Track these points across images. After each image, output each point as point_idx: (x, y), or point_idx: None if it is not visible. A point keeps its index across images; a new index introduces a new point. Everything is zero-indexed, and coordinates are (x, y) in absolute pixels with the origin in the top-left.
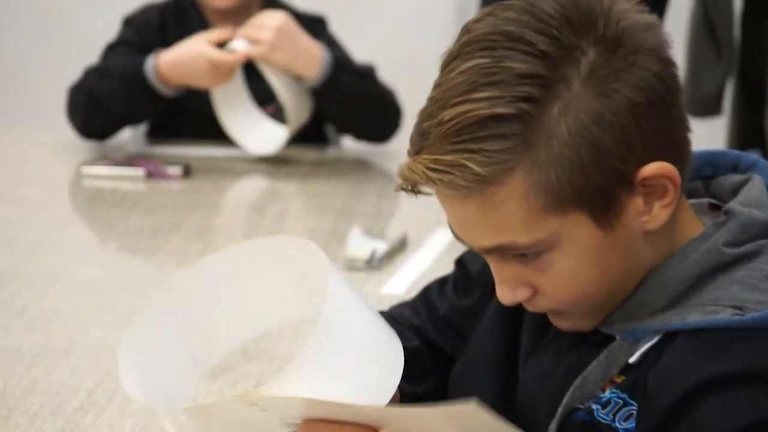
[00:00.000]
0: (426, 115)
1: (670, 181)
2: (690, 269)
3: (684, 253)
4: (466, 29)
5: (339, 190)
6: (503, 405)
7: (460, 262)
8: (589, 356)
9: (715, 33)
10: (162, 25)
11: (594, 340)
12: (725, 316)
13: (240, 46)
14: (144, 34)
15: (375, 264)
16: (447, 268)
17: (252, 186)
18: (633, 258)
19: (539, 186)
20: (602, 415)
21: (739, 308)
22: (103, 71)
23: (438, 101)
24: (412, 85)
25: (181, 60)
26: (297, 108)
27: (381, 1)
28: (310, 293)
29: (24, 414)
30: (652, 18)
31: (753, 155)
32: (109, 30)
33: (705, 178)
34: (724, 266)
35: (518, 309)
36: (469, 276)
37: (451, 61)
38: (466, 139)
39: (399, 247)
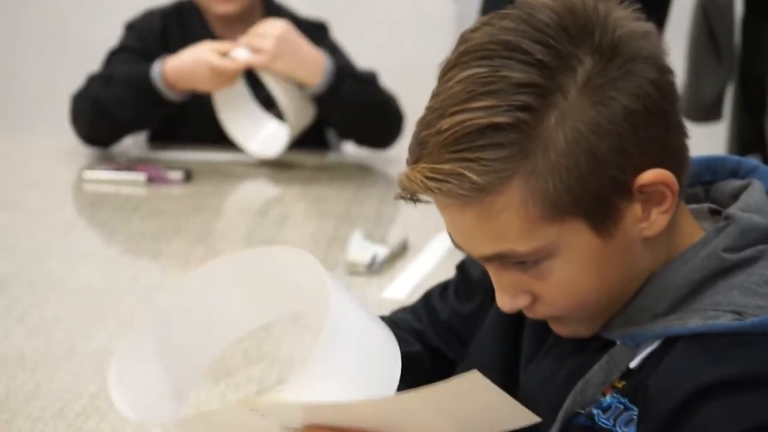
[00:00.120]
0: (424, 124)
1: (667, 187)
2: (690, 274)
3: (684, 259)
4: (463, 38)
5: (340, 194)
6: None
7: (461, 267)
8: (590, 361)
9: (716, 38)
10: (164, 30)
11: (595, 346)
12: (725, 321)
13: (242, 55)
14: (146, 40)
15: (376, 268)
16: (448, 272)
17: (253, 190)
18: (632, 264)
19: (537, 195)
20: (603, 420)
21: (739, 313)
22: (108, 78)
23: (436, 110)
24: (411, 89)
25: (185, 66)
26: (297, 114)
27: (380, 5)
28: (299, 296)
29: (26, 418)
30: (648, 26)
31: (753, 160)
32: (111, 35)
33: (705, 184)
34: (724, 271)
35: (519, 314)
36: (471, 281)
37: (448, 70)
38: (464, 149)
39: (400, 252)
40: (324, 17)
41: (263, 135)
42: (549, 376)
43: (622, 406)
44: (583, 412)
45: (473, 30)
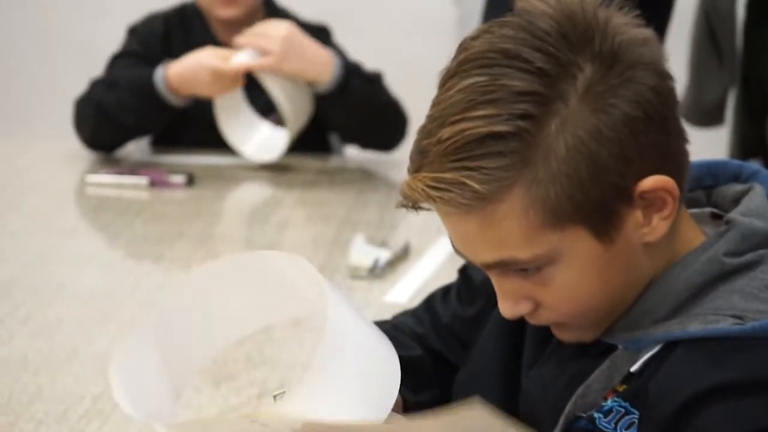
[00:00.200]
0: (425, 132)
1: (668, 193)
2: (691, 279)
3: (685, 263)
4: (463, 47)
5: (342, 198)
6: (506, 414)
7: (463, 271)
8: (591, 366)
9: (718, 43)
10: (166, 35)
11: (596, 350)
12: (726, 325)
13: (245, 58)
14: (148, 45)
15: (378, 272)
16: (450, 276)
17: (255, 194)
18: (633, 270)
19: (538, 202)
20: (604, 424)
21: (740, 318)
22: (111, 83)
23: (436, 119)
24: (413, 93)
25: (186, 71)
26: (296, 114)
27: (382, 9)
28: (298, 301)
29: (29, 421)
30: (647, 32)
31: (754, 165)
32: (113, 38)
33: (706, 188)
34: (724, 276)
35: (521, 319)
36: (473, 285)
37: (448, 78)
38: (465, 157)
39: (402, 256)
40: (325, 21)
41: (259, 138)
42: (550, 380)
43: (623, 410)
44: (584, 416)
45: (473, 38)
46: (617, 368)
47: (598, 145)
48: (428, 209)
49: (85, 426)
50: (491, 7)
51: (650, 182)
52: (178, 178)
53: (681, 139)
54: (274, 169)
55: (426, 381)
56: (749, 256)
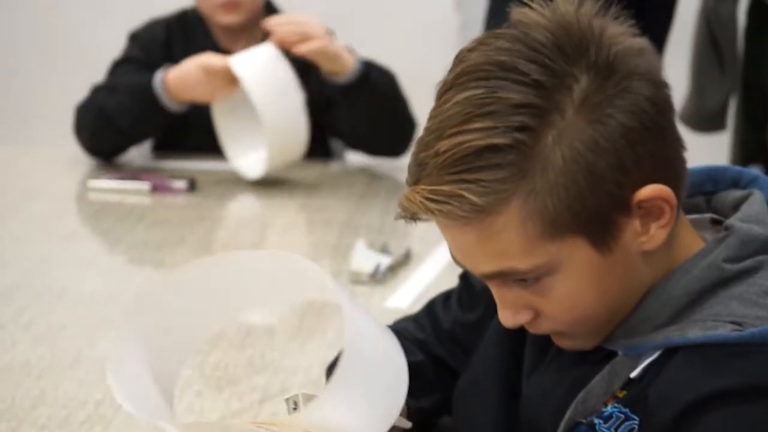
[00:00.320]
0: (423, 145)
1: (666, 202)
2: (690, 285)
3: (684, 269)
4: (459, 58)
5: (343, 204)
6: (507, 419)
7: (464, 277)
8: (591, 372)
9: (719, 49)
10: (167, 41)
11: (596, 357)
12: (725, 331)
13: (265, 52)
14: (150, 51)
15: (379, 278)
16: (451, 282)
17: (256, 200)
18: (632, 278)
19: (536, 214)
20: (604, 430)
21: (739, 324)
22: (112, 88)
23: (434, 132)
24: (414, 99)
25: (183, 74)
26: (281, 148)
27: (384, 15)
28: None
29: (32, 426)
30: (643, 42)
31: (754, 171)
32: (114, 43)
33: (706, 194)
34: (724, 282)
35: (521, 327)
36: (473, 290)
37: (445, 91)
38: (463, 170)
39: (403, 261)
40: (327, 27)
41: (252, 154)
42: (551, 387)
43: (623, 416)
44: (584, 421)
45: (469, 50)
46: (617, 374)
47: (595, 155)
48: (427, 220)
49: (88, 431)
50: (492, 15)
51: (648, 191)
52: (180, 184)
53: (678, 147)
54: (275, 175)
55: (427, 386)
56: (748, 262)
